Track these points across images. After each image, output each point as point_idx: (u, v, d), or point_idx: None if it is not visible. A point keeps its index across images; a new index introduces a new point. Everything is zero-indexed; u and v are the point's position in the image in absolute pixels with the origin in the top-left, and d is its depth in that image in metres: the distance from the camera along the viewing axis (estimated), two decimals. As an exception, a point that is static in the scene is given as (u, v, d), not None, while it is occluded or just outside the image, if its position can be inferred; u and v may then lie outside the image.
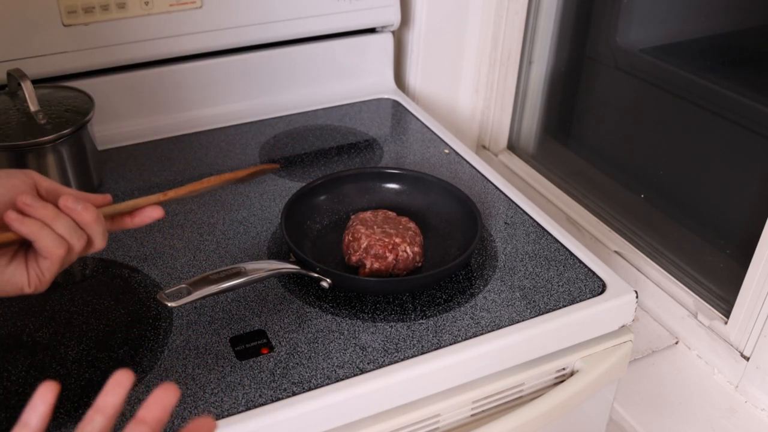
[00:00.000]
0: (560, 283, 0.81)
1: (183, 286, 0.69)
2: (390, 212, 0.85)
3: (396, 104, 1.21)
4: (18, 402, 0.64)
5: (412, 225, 0.83)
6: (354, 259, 0.79)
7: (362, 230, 0.80)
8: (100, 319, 0.73)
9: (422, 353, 0.71)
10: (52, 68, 0.99)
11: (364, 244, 0.79)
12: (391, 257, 0.78)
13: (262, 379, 0.68)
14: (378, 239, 0.79)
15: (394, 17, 1.20)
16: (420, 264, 0.81)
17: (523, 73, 1.30)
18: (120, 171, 0.99)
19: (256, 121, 1.13)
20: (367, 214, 0.84)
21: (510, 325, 0.75)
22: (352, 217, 0.84)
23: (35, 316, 0.74)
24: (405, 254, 0.79)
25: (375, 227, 0.80)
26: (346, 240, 0.81)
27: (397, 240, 0.79)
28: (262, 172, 0.74)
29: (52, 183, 0.58)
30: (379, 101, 1.21)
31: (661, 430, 0.90)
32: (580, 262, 0.85)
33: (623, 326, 0.82)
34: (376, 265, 0.78)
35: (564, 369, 0.80)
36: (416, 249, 0.80)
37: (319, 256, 0.83)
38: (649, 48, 1.13)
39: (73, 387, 0.66)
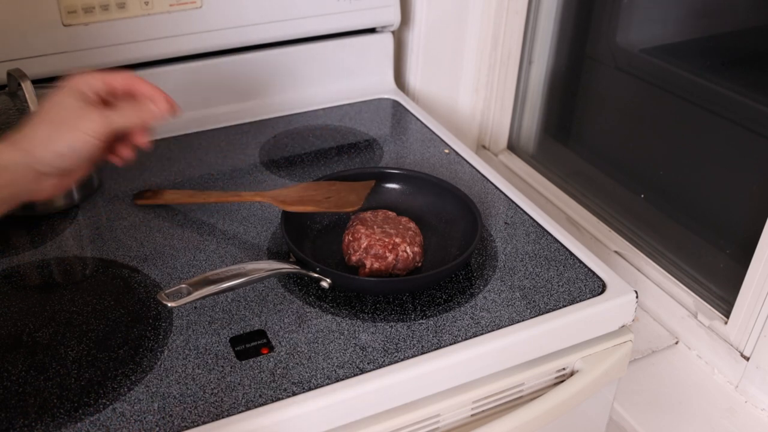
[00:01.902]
0: (560, 283, 0.81)
1: (183, 286, 0.69)
2: (390, 212, 0.85)
3: (396, 104, 1.21)
4: (18, 402, 0.64)
5: (412, 225, 0.83)
6: (354, 259, 0.79)
7: (362, 230, 0.80)
8: (100, 319, 0.73)
9: (422, 353, 0.71)
10: (52, 68, 0.99)
11: (364, 244, 0.79)
12: (391, 257, 0.78)
13: (262, 379, 0.68)
14: (378, 239, 0.79)
15: (394, 17, 1.20)
16: (420, 264, 0.81)
17: (523, 73, 1.30)
18: (120, 171, 0.98)
19: (256, 121, 1.13)
20: (367, 214, 0.84)
21: (510, 325, 0.75)
22: (352, 217, 0.84)
23: (35, 316, 0.74)
24: (405, 254, 0.79)
25: (375, 227, 0.80)
26: (346, 240, 0.81)
27: (397, 240, 0.79)
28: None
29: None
30: (379, 101, 1.21)
31: (661, 430, 0.90)
32: (580, 262, 0.85)
33: (623, 326, 0.82)
34: (376, 265, 0.78)
35: (564, 369, 0.80)
36: (416, 249, 0.80)
37: (319, 256, 0.83)
38: (649, 48, 1.13)
39: (73, 387, 0.66)
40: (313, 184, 0.90)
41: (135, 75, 0.71)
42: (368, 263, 0.78)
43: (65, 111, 0.66)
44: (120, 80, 0.69)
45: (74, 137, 0.65)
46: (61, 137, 0.65)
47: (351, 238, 0.80)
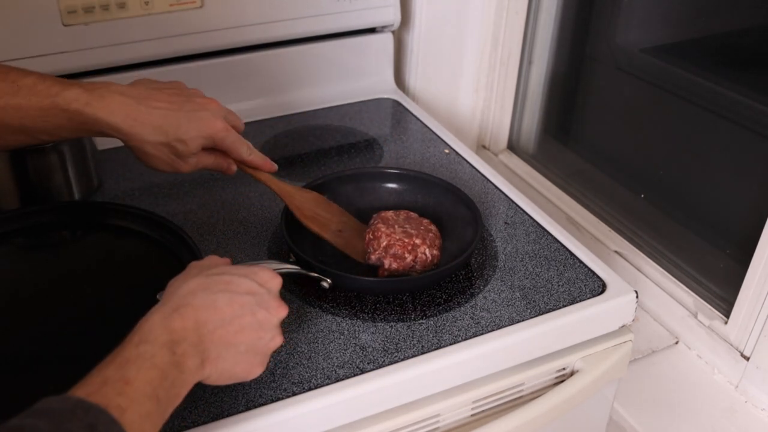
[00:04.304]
0: (560, 283, 0.81)
1: (183, 286, 0.69)
2: (412, 213, 0.84)
3: (396, 104, 1.21)
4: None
5: (432, 228, 0.82)
6: (373, 258, 0.79)
7: (383, 229, 0.79)
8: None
9: (422, 353, 0.71)
10: (52, 68, 0.99)
11: (384, 243, 0.78)
12: (410, 258, 0.78)
13: (262, 379, 0.68)
14: (398, 239, 0.78)
15: (393, 17, 1.20)
16: (436, 267, 0.81)
17: (523, 73, 1.30)
18: (120, 171, 0.99)
19: (256, 121, 1.13)
20: (389, 214, 0.83)
21: (510, 325, 0.75)
22: (374, 216, 0.83)
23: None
24: (424, 256, 0.78)
25: (396, 227, 0.80)
26: (367, 238, 0.80)
27: (418, 241, 0.79)
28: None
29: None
30: (379, 101, 1.21)
31: (661, 430, 0.90)
32: (580, 262, 0.85)
33: (623, 326, 0.82)
34: (394, 265, 0.78)
35: (564, 369, 0.80)
36: (435, 252, 0.80)
37: (319, 256, 0.83)
38: (649, 48, 1.13)
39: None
40: (324, 201, 0.87)
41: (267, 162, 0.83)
42: (387, 263, 0.78)
43: (179, 149, 0.74)
44: (249, 161, 0.81)
45: (165, 168, 0.75)
46: (157, 162, 0.75)
47: (371, 237, 0.80)
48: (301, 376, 0.68)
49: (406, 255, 0.78)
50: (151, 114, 0.72)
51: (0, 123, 0.69)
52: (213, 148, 0.78)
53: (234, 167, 0.81)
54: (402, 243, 0.78)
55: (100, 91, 0.71)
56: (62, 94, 0.69)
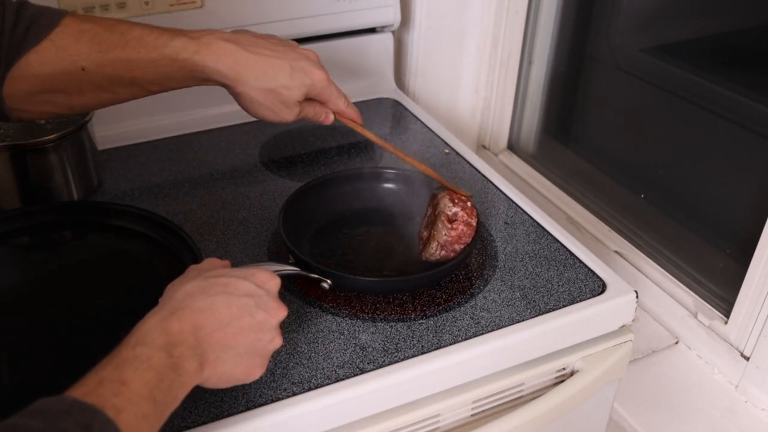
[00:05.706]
0: (560, 283, 0.81)
1: (183, 286, 0.69)
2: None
3: (396, 104, 1.21)
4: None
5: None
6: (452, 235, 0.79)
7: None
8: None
9: (422, 353, 0.71)
10: (52, 68, 0.99)
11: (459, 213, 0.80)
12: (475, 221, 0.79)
13: (261, 379, 0.68)
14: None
15: (393, 17, 1.20)
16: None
17: (523, 73, 1.30)
18: (120, 171, 0.99)
19: (256, 121, 1.11)
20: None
21: (510, 325, 0.75)
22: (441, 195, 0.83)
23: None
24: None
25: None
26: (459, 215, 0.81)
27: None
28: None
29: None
30: (379, 101, 1.21)
31: (661, 430, 0.90)
32: (580, 262, 0.85)
33: (623, 326, 0.82)
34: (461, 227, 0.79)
35: (564, 369, 0.80)
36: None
37: (319, 256, 0.83)
38: (649, 48, 1.13)
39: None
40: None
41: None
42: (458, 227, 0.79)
43: (284, 95, 0.78)
44: (346, 113, 0.88)
45: (270, 116, 0.80)
46: (262, 109, 0.79)
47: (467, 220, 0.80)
48: (301, 376, 0.68)
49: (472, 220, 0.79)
50: (257, 60, 0.75)
51: (112, 76, 0.71)
52: (311, 99, 0.82)
53: (332, 117, 0.86)
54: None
55: (206, 38, 0.74)
56: (170, 44, 0.72)
